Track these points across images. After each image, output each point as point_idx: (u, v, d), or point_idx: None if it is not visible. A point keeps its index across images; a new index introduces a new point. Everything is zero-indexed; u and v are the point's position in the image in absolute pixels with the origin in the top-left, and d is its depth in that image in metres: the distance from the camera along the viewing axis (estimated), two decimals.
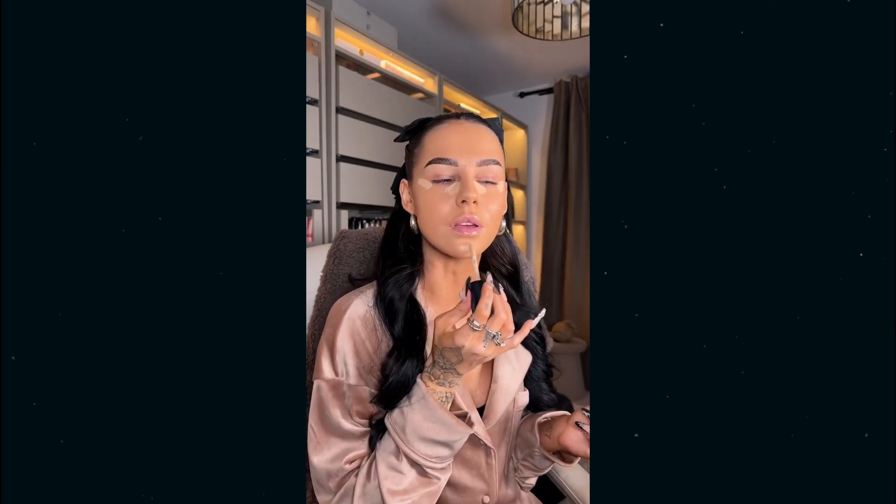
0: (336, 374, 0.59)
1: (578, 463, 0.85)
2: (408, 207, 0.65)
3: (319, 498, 0.59)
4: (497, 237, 0.67)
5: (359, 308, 0.62)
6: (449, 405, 0.55)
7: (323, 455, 0.57)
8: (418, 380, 0.55)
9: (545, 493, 0.81)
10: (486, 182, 0.59)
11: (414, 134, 0.65)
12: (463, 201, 0.57)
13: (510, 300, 0.60)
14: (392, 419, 0.55)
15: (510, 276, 0.70)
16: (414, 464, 0.54)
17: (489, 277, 0.50)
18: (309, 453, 0.59)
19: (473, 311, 0.50)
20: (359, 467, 0.57)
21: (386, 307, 0.62)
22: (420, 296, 0.64)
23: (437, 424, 0.53)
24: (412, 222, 0.65)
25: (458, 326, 0.50)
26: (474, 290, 0.50)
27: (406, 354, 0.58)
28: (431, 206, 0.59)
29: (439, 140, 0.60)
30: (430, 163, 0.59)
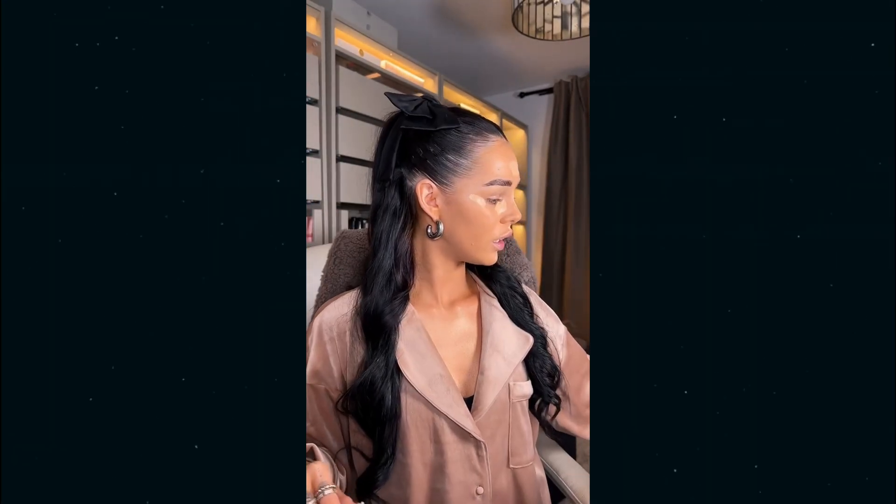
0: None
1: (578, 462, 0.85)
2: (433, 213, 0.63)
3: None
4: None
5: (327, 316, 0.67)
6: None
7: None
8: None
9: None
10: None
11: (446, 133, 0.62)
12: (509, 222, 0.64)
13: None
14: None
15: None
16: None
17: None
18: None
19: None
20: None
21: (368, 327, 0.63)
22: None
23: None
24: (430, 230, 0.64)
25: None
26: None
27: (372, 359, 0.61)
28: (482, 223, 0.62)
29: (498, 160, 0.62)
30: (491, 183, 0.61)
